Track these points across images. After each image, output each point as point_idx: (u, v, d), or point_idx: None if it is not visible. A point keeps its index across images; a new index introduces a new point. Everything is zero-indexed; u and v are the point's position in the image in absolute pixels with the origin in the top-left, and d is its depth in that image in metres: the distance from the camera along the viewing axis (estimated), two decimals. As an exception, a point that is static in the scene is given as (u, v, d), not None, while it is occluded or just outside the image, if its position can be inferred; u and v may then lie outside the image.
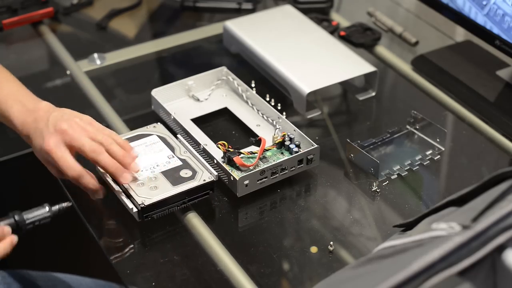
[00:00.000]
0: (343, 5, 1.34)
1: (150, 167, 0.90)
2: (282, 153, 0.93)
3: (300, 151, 0.93)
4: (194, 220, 0.88)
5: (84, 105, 1.07)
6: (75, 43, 1.23)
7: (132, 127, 0.99)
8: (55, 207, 0.85)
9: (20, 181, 1.22)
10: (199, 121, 1.01)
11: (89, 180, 0.85)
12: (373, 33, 1.22)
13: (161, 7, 1.36)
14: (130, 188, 0.86)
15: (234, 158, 0.89)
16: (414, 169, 0.96)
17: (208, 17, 1.32)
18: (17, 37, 1.24)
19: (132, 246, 0.86)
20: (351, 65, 1.09)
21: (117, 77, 1.16)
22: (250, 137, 0.98)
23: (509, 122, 1.04)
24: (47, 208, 0.84)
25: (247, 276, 0.81)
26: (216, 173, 0.89)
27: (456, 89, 1.11)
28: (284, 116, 0.98)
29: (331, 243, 0.84)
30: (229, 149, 0.91)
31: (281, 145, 0.94)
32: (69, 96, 1.12)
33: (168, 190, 0.86)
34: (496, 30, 1.07)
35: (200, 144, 0.95)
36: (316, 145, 0.93)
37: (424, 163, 0.97)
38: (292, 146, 0.93)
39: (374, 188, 0.93)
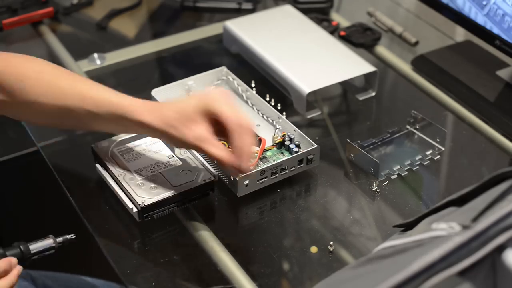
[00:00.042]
0: (343, 5, 1.34)
1: (150, 167, 0.90)
2: (282, 153, 0.93)
3: (300, 151, 0.93)
4: (194, 220, 0.88)
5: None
6: (75, 43, 1.23)
7: (132, 127, 0.99)
8: (60, 239, 0.85)
9: (20, 181, 1.22)
10: (199, 121, 1.01)
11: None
12: (373, 33, 1.22)
13: (161, 7, 1.36)
14: (130, 188, 0.86)
15: (234, 158, 0.89)
16: (414, 169, 0.96)
17: (208, 17, 1.32)
18: (17, 37, 1.24)
19: (132, 246, 0.86)
20: (351, 65, 1.09)
21: (117, 77, 1.16)
22: (250, 137, 0.98)
23: (509, 122, 1.04)
24: (51, 240, 0.84)
25: (247, 276, 0.81)
26: (216, 173, 0.89)
27: (456, 89, 1.11)
28: (284, 116, 0.98)
29: (331, 243, 0.84)
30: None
31: (281, 145, 0.94)
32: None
33: (168, 190, 0.86)
34: (496, 30, 1.07)
35: (200, 144, 0.94)
36: (316, 145, 0.93)
37: (424, 163, 0.97)
38: (292, 146, 0.93)
39: (374, 188, 0.93)
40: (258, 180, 0.90)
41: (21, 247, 0.82)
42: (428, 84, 1.13)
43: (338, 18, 1.28)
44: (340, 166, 0.97)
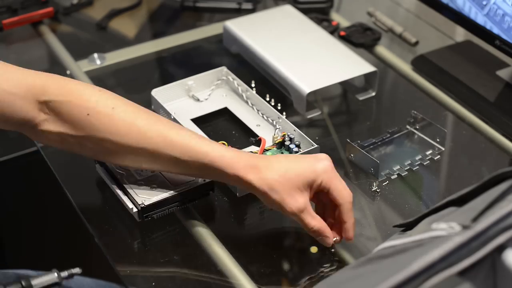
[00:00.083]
0: (343, 5, 1.34)
1: (150, 167, 0.89)
2: (282, 153, 0.93)
3: (300, 151, 0.93)
4: (194, 220, 0.88)
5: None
6: (75, 43, 1.23)
7: (132, 127, 0.99)
8: (64, 274, 0.83)
9: (20, 181, 1.22)
10: (199, 121, 1.01)
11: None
12: (373, 33, 1.22)
13: (161, 7, 1.36)
14: (130, 188, 0.86)
15: (234, 158, 0.89)
16: (414, 169, 0.96)
17: (208, 17, 1.32)
18: (17, 37, 1.24)
19: (132, 246, 0.86)
20: (351, 65, 1.09)
21: (117, 77, 1.16)
22: (250, 137, 0.98)
23: (509, 122, 1.04)
24: (55, 274, 0.82)
25: (247, 276, 0.81)
26: (216, 173, 0.89)
27: (456, 89, 1.11)
28: (284, 116, 0.98)
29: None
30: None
31: (281, 145, 0.94)
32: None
33: (168, 190, 0.86)
34: (496, 30, 1.07)
35: (200, 144, 0.94)
36: (316, 145, 0.93)
37: (424, 163, 0.97)
38: (292, 146, 0.93)
39: (374, 188, 0.93)
40: (258, 180, 0.90)
41: (23, 283, 0.79)
42: (428, 84, 1.13)
43: (338, 18, 1.28)
44: (340, 166, 0.97)
